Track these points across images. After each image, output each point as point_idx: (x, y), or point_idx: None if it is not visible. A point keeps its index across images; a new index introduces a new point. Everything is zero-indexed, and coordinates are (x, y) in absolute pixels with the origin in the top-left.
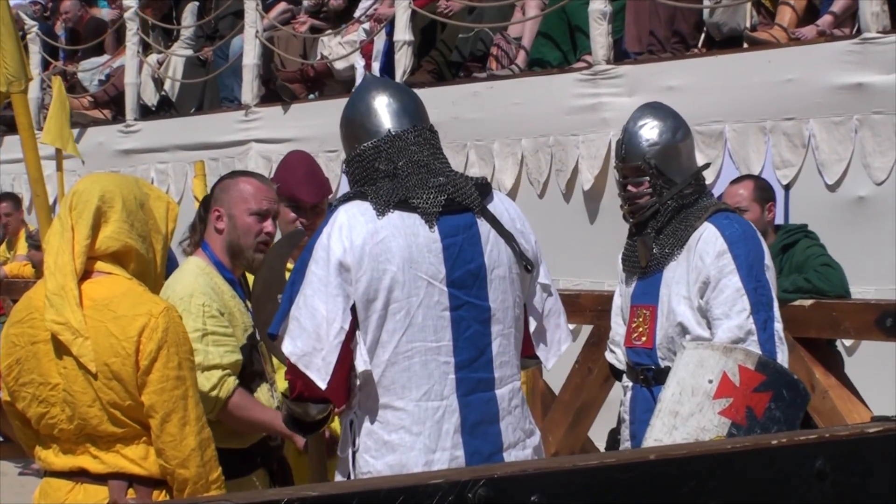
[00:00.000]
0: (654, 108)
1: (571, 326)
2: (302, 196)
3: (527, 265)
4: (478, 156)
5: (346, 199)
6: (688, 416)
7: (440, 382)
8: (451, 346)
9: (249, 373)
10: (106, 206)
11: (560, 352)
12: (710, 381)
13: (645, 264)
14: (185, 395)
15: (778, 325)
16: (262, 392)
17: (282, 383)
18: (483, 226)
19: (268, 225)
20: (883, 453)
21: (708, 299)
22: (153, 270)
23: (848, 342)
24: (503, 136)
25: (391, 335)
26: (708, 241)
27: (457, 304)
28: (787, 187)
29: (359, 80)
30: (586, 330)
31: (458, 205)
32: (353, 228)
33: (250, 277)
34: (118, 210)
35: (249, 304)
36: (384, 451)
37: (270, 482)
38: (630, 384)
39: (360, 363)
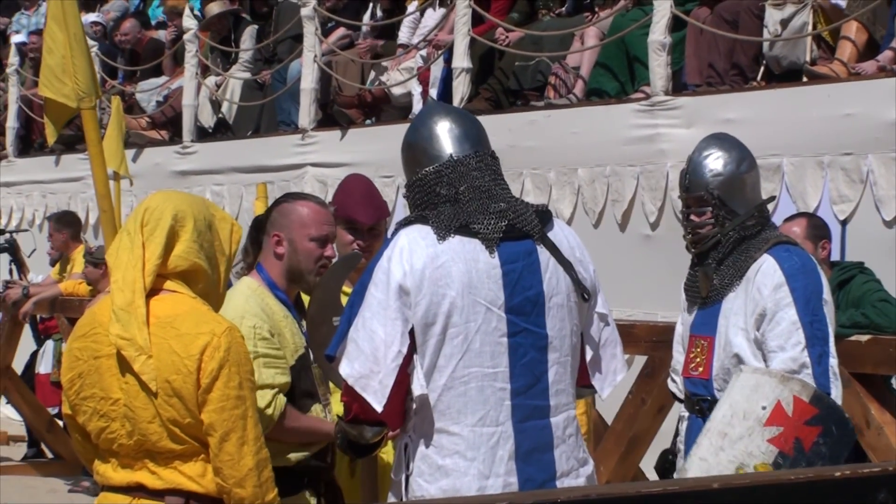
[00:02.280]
0: (720, 139)
1: (626, 357)
2: (359, 218)
3: (584, 294)
4: (534, 184)
5: (408, 222)
6: (737, 438)
7: (496, 408)
8: (507, 373)
9: (300, 393)
10: (178, 225)
11: (615, 381)
12: (764, 408)
13: (705, 294)
14: (244, 414)
15: (833, 361)
16: (315, 412)
17: (337, 406)
18: (543, 253)
19: (328, 250)
20: None
21: (764, 331)
22: (217, 290)
23: None
24: (560, 164)
25: (448, 360)
26: (766, 273)
27: (514, 330)
28: (844, 222)
29: (416, 106)
30: (640, 360)
31: (518, 231)
32: (413, 252)
33: (306, 298)
34: (190, 230)
35: (304, 325)
36: (438, 476)
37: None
38: (686, 414)
39: (417, 387)
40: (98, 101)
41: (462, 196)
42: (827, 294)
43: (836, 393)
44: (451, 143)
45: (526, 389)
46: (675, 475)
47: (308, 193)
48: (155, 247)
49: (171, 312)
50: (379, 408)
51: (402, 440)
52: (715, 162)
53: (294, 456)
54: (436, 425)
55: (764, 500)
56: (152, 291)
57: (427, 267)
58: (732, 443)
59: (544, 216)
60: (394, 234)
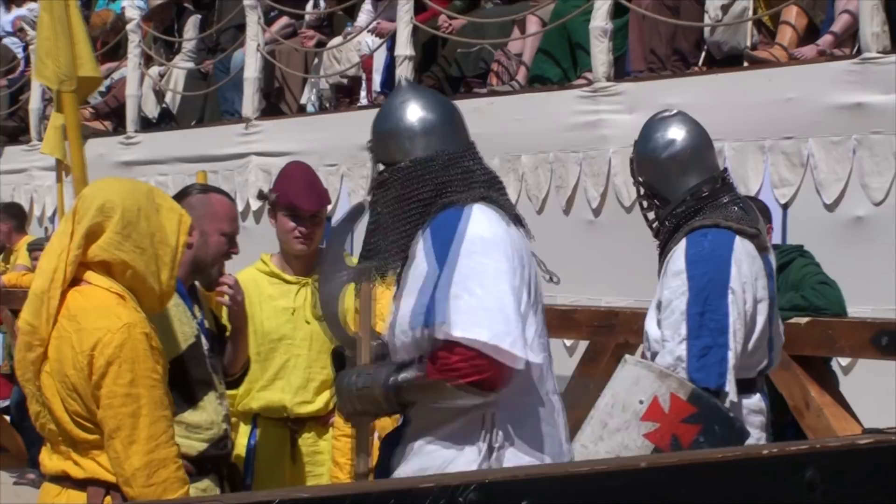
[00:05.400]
0: (657, 123)
1: (569, 342)
2: (302, 205)
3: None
4: None
5: (472, 199)
6: (614, 430)
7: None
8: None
9: (193, 381)
10: (104, 216)
11: None
12: (641, 402)
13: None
14: (135, 413)
15: (729, 353)
16: (210, 401)
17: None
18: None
19: (235, 248)
20: (874, 465)
21: (661, 319)
22: (155, 283)
23: (844, 361)
24: (503, 151)
25: (537, 328)
26: (674, 259)
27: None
28: (785, 206)
29: (362, 94)
30: (583, 345)
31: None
32: (499, 223)
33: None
34: (115, 221)
35: (197, 311)
36: (534, 444)
37: (221, 487)
38: None
39: (537, 355)
40: (41, 94)
41: (495, 181)
42: (736, 282)
43: (730, 388)
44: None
45: None
46: None
47: (216, 187)
48: (78, 237)
49: (81, 306)
50: (521, 364)
51: (479, 411)
52: (645, 147)
53: (196, 446)
54: (532, 394)
55: (692, 478)
56: (75, 281)
57: (515, 239)
58: (611, 434)
59: None
60: (457, 208)
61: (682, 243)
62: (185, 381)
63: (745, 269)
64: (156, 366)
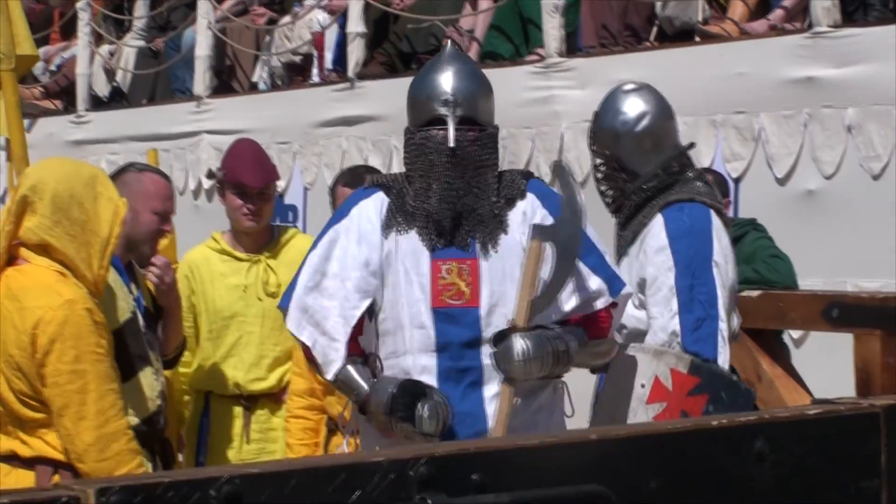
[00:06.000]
0: (622, 93)
1: None
2: (248, 181)
3: None
4: None
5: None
6: (622, 420)
7: None
8: None
9: (133, 355)
10: (35, 197)
11: None
12: (643, 386)
13: (617, 260)
14: (82, 389)
15: (722, 325)
16: (146, 376)
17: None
18: None
19: (167, 226)
20: (822, 435)
21: (647, 298)
22: (87, 270)
23: (796, 334)
24: None
25: None
26: (654, 235)
27: None
28: (736, 180)
29: (314, 71)
30: None
31: None
32: None
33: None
34: (45, 204)
35: (134, 288)
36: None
37: (153, 463)
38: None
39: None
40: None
41: None
42: (719, 255)
43: (724, 359)
44: None
45: None
46: None
47: (151, 166)
48: (9, 214)
49: (21, 284)
50: None
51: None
52: (614, 120)
53: (128, 421)
54: None
55: (642, 450)
56: (13, 259)
57: None
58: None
59: None
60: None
61: (659, 218)
62: (126, 354)
63: (725, 242)
64: (100, 340)
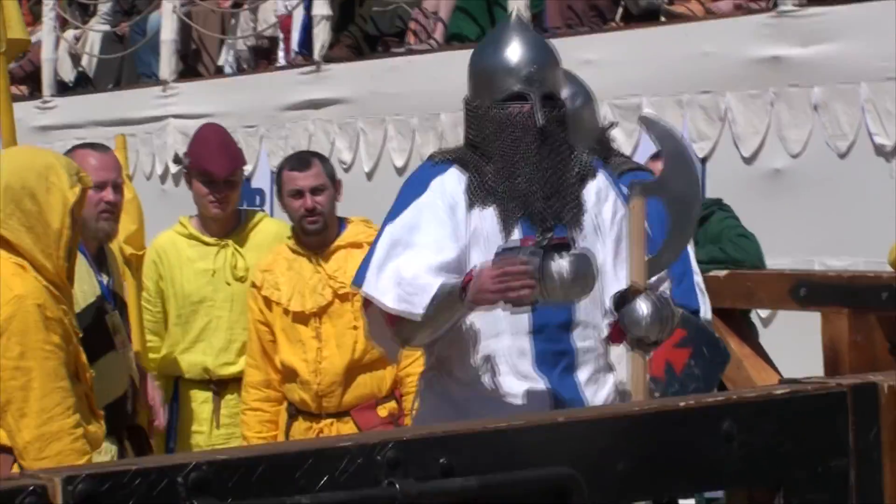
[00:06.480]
0: None
1: None
2: (214, 169)
3: None
4: (397, 130)
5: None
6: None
7: None
8: None
9: (96, 340)
10: None
11: None
12: None
13: None
14: (25, 386)
15: (697, 278)
16: (110, 361)
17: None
18: None
19: (106, 194)
20: (790, 415)
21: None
22: (47, 261)
23: (764, 313)
24: (422, 110)
25: None
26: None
27: None
28: (703, 160)
29: (280, 54)
30: None
31: None
32: None
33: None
34: None
35: (104, 275)
36: None
37: (121, 449)
38: None
39: None
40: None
41: None
42: None
43: (706, 308)
44: None
45: None
46: None
47: (90, 142)
48: None
49: None
50: None
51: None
52: None
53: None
54: None
55: (610, 431)
56: None
57: None
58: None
59: None
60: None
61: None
62: (90, 338)
63: None
64: (49, 336)
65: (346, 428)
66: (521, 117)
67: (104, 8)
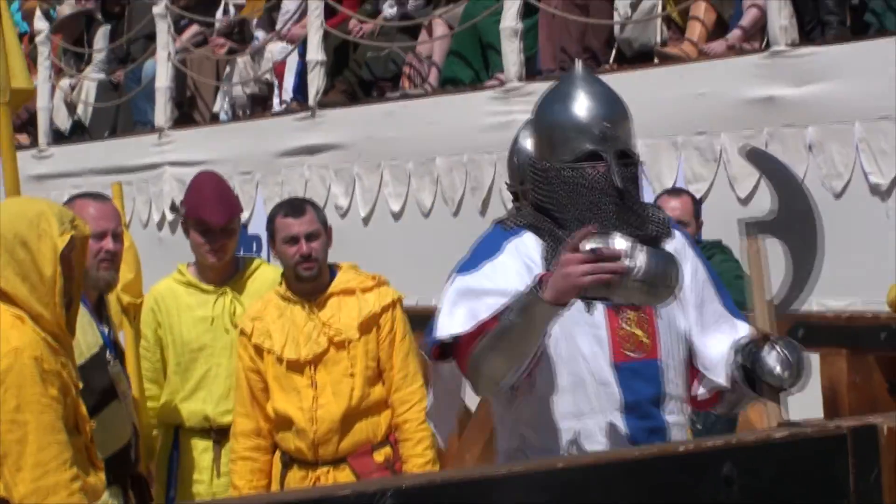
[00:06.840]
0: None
1: None
2: (209, 219)
3: None
4: (393, 175)
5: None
6: None
7: None
8: None
9: (97, 390)
10: None
11: None
12: None
13: None
14: (21, 439)
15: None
16: (113, 411)
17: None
18: None
19: (106, 243)
20: (790, 458)
21: None
22: (45, 310)
23: None
24: (418, 155)
25: None
26: None
27: None
28: (700, 201)
29: (275, 100)
30: None
31: None
32: None
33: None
34: None
35: (106, 327)
36: None
37: (125, 500)
38: None
39: None
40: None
41: None
42: None
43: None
44: None
45: None
46: None
47: (90, 192)
48: None
49: None
50: None
51: None
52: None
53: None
54: None
55: (609, 477)
56: None
57: None
58: None
59: None
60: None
61: None
62: (86, 390)
63: None
64: (47, 389)
65: (343, 475)
66: (596, 179)
67: (99, 56)
